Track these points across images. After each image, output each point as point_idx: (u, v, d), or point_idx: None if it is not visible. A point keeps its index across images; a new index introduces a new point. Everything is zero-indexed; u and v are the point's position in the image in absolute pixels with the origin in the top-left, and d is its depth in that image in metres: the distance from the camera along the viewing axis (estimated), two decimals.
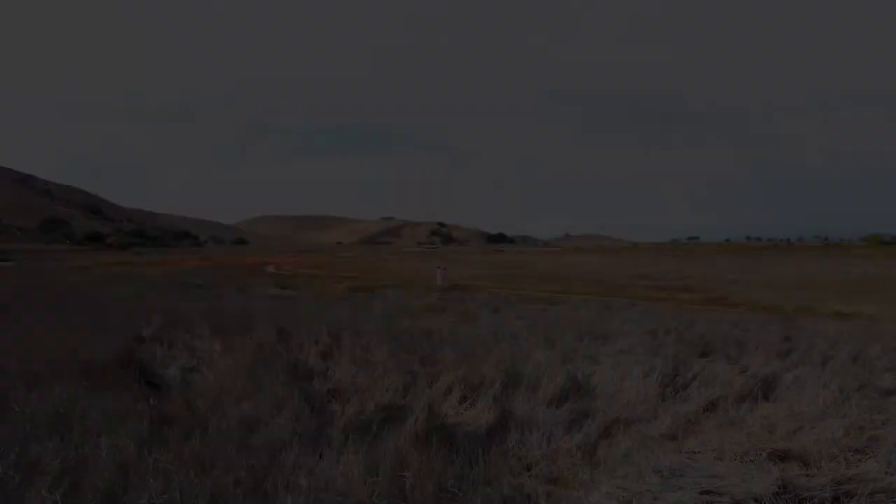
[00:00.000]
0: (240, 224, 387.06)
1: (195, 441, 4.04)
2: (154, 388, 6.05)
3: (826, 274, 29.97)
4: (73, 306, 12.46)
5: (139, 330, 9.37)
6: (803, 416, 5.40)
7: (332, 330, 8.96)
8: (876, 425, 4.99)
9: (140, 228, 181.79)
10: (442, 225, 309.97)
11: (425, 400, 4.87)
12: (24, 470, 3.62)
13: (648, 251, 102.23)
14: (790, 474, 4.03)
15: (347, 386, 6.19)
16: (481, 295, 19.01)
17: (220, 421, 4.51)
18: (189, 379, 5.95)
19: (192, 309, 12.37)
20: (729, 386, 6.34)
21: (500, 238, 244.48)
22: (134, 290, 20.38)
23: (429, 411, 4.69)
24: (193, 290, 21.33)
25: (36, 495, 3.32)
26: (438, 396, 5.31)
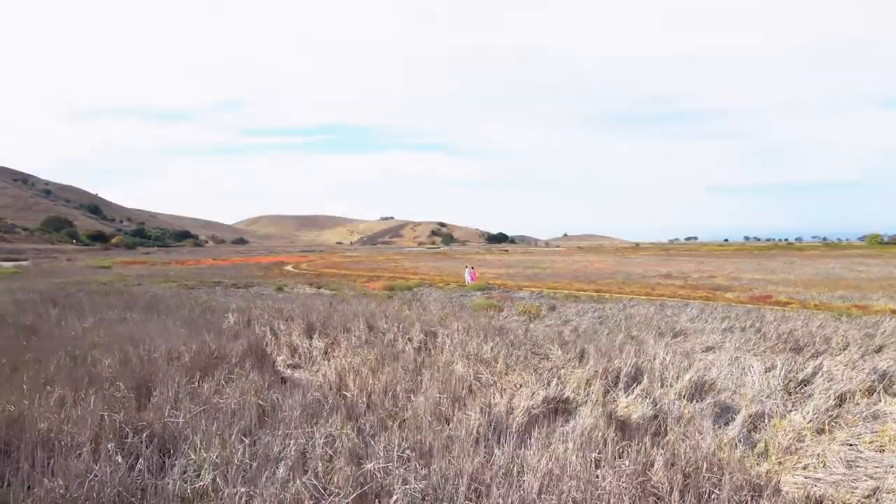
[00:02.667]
0: (238, 224, 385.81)
1: (402, 430, 4.16)
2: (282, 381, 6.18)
3: (851, 273, 30.16)
4: (139, 304, 12.53)
5: (218, 327, 9.46)
6: None
7: (424, 327, 9.07)
8: None
9: (141, 228, 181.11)
10: (442, 224, 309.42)
11: (597, 393, 4.98)
12: (258, 458, 3.74)
13: (653, 251, 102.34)
14: None
15: (471, 380, 6.32)
16: (522, 294, 19.13)
17: (402, 413, 4.64)
18: (340, 371, 6.02)
19: (251, 307, 12.45)
20: (850, 380, 6.48)
21: (501, 238, 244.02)
22: (174, 289, 20.46)
23: (604, 404, 4.81)
24: (232, 288, 21.41)
25: (284, 479, 3.43)
26: (594, 391, 5.43)
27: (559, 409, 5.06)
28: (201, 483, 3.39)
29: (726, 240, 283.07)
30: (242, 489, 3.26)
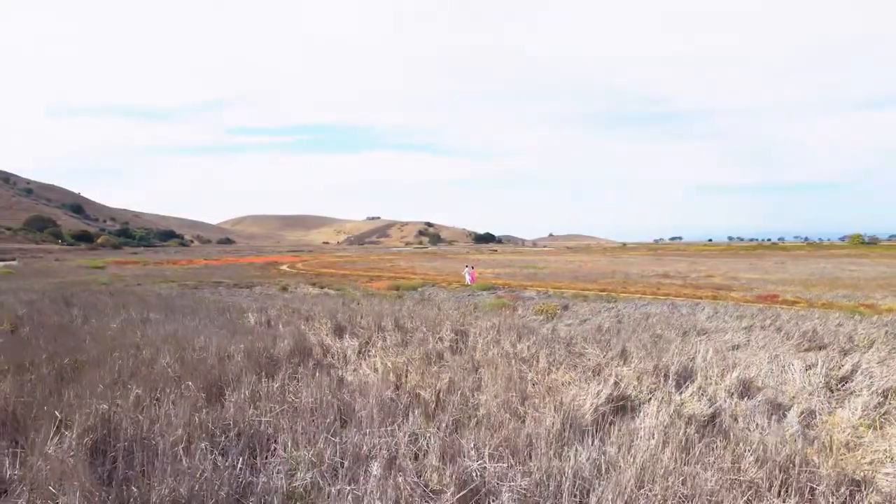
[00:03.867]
0: (223, 224, 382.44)
1: (479, 429, 4.17)
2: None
3: (845, 273, 30.73)
4: (153, 304, 12.39)
5: (244, 327, 9.39)
6: None
7: (454, 326, 9.07)
8: None
9: (125, 228, 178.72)
10: (429, 224, 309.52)
11: (664, 391, 5.04)
12: (349, 456, 3.73)
13: (641, 251, 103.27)
14: None
15: (516, 379, 6.34)
16: (529, 293, 19.21)
17: (475, 412, 4.65)
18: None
19: (266, 307, 12.37)
20: (889, 377, 6.61)
21: (488, 238, 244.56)
22: (176, 289, 20.24)
23: (670, 402, 4.86)
24: (235, 288, 21.23)
25: (382, 477, 3.43)
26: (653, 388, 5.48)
27: (622, 407, 5.11)
28: (303, 481, 3.38)
29: (710, 240, 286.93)
30: (347, 486, 3.25)
